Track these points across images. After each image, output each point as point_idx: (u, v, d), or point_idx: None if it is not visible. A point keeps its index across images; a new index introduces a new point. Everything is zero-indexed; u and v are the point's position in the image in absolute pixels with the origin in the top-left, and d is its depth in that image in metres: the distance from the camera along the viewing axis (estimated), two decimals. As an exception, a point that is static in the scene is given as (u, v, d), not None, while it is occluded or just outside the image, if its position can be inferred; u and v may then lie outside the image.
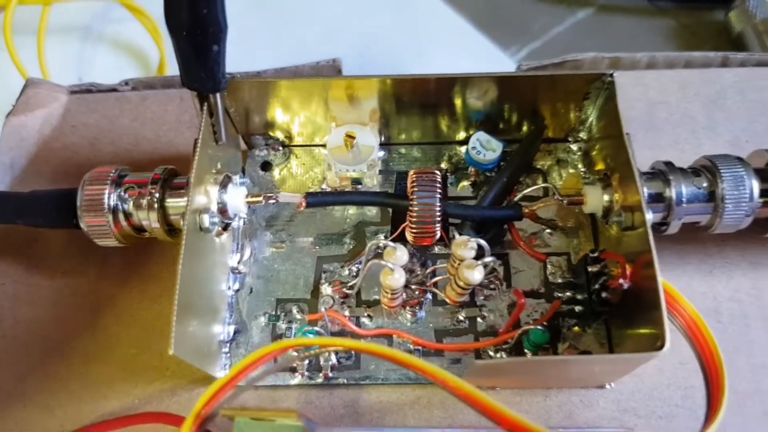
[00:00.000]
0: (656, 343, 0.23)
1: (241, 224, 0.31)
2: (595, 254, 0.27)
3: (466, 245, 0.27)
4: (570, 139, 0.33)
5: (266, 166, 0.33)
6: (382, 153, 0.33)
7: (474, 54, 0.50)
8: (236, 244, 0.31)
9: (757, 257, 0.31)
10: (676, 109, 0.35)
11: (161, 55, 0.50)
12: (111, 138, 0.34)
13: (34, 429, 0.28)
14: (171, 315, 0.23)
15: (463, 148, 0.33)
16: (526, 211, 0.29)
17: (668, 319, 0.23)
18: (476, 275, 0.26)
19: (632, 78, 0.35)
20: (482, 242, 0.26)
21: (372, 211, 0.32)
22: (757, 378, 0.28)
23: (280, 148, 0.33)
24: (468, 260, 0.27)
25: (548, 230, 0.31)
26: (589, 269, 0.27)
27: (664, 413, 0.28)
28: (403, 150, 0.33)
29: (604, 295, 0.26)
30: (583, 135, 0.32)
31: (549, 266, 0.30)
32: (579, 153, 0.33)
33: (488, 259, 0.26)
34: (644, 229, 0.25)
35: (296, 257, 0.31)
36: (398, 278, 0.27)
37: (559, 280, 0.30)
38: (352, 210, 0.32)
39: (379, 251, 0.29)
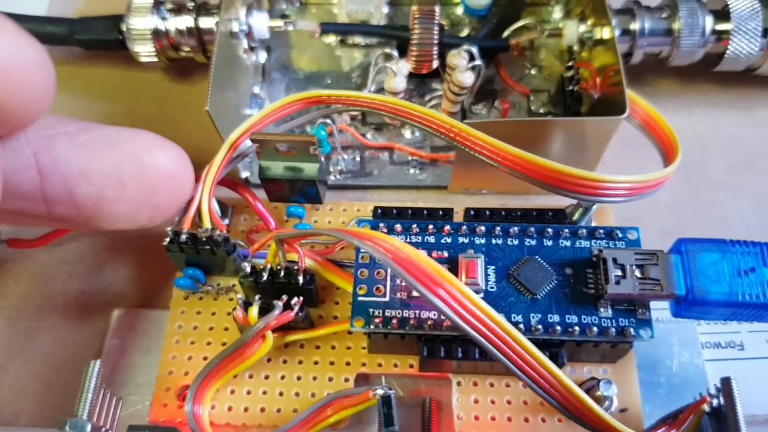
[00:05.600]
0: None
1: (263, 59, 0.35)
2: (570, 64, 0.31)
3: (459, 54, 0.31)
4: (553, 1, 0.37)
5: (285, 17, 0.37)
6: (387, 9, 0.37)
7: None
8: (259, 76, 0.35)
9: (717, 98, 0.35)
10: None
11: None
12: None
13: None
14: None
15: (458, 9, 0.37)
16: (513, 42, 0.34)
17: (627, 119, 0.27)
18: (467, 78, 0.31)
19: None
20: (472, 48, 0.31)
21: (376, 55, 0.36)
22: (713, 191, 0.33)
23: (298, 3, 0.38)
24: (460, 66, 0.31)
25: (532, 70, 0.35)
26: (564, 75, 0.31)
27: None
28: (405, 9, 0.38)
29: (575, 88, 0.30)
30: (562, -5, 0.37)
31: (532, 97, 0.34)
32: (560, 14, 0.37)
33: (477, 62, 0.31)
34: (612, 39, 0.29)
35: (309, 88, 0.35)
36: (399, 82, 0.31)
37: (542, 110, 0.34)
38: (357, 54, 0.36)
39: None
